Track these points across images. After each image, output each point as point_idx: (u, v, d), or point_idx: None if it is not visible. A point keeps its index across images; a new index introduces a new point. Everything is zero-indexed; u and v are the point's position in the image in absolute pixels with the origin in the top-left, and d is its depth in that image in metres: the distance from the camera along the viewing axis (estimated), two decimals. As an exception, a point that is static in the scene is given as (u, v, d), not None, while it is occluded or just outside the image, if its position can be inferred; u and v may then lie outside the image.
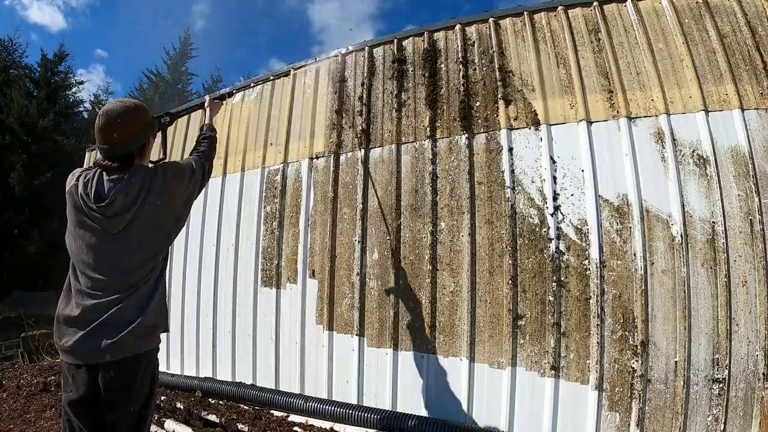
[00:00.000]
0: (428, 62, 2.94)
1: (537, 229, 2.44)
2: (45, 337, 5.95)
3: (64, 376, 1.41)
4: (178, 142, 4.16)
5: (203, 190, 1.85)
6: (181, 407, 3.05)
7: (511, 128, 2.61)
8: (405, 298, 2.72)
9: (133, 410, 1.36)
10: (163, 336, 1.55)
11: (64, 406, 1.40)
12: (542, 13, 2.72)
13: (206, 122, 2.11)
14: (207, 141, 1.92)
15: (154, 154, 1.71)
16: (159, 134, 1.77)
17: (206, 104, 2.24)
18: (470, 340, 2.48)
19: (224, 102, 2.43)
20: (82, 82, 17.19)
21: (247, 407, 2.98)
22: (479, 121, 2.71)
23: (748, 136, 2.14)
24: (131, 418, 1.36)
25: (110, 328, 1.32)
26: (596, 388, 2.19)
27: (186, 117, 4.25)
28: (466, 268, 2.54)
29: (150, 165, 1.56)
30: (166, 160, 1.71)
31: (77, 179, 1.44)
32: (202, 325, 3.63)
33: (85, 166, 5.15)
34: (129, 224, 1.40)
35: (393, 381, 2.67)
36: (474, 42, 2.86)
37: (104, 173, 1.43)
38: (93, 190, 1.40)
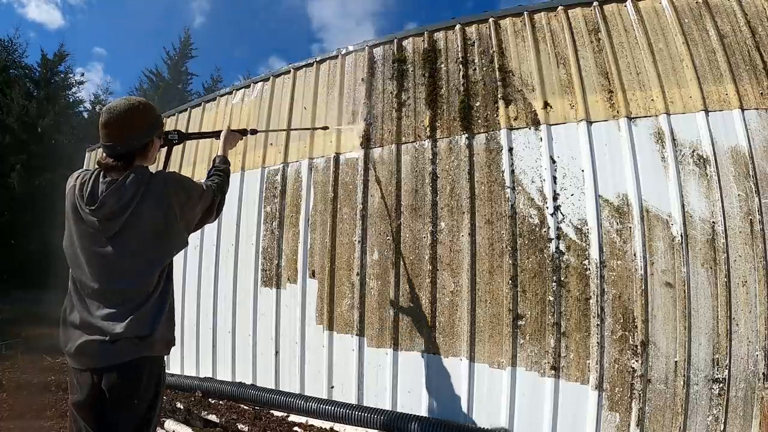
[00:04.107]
0: (428, 62, 2.94)
1: (537, 229, 2.44)
2: (45, 337, 5.95)
3: (70, 379, 1.40)
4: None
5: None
6: (181, 407, 3.05)
7: (511, 128, 2.61)
8: (405, 298, 2.72)
9: (137, 413, 1.35)
10: None
11: (70, 407, 1.40)
12: (542, 13, 2.72)
13: (220, 153, 1.94)
14: (222, 174, 1.78)
15: (153, 168, 1.62)
16: (164, 148, 1.71)
17: (223, 133, 2.07)
18: (470, 340, 2.48)
19: (243, 137, 2.24)
20: (82, 82, 17.14)
21: (247, 407, 2.97)
22: (479, 121, 2.71)
23: (748, 136, 2.14)
24: (135, 420, 1.35)
25: (113, 338, 1.30)
26: (596, 388, 2.19)
27: (189, 119, 4.26)
28: (466, 268, 2.54)
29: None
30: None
31: (75, 180, 1.41)
32: (202, 325, 3.63)
33: (84, 166, 5.16)
34: (123, 229, 1.35)
35: (393, 381, 2.67)
36: (474, 42, 2.86)
37: (101, 174, 1.39)
38: (88, 191, 1.36)
